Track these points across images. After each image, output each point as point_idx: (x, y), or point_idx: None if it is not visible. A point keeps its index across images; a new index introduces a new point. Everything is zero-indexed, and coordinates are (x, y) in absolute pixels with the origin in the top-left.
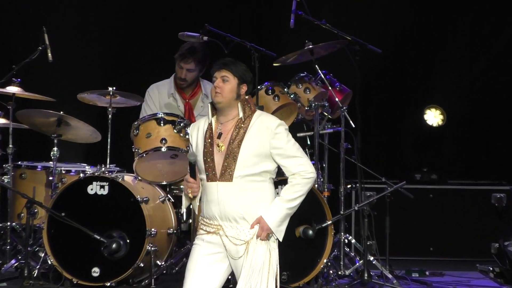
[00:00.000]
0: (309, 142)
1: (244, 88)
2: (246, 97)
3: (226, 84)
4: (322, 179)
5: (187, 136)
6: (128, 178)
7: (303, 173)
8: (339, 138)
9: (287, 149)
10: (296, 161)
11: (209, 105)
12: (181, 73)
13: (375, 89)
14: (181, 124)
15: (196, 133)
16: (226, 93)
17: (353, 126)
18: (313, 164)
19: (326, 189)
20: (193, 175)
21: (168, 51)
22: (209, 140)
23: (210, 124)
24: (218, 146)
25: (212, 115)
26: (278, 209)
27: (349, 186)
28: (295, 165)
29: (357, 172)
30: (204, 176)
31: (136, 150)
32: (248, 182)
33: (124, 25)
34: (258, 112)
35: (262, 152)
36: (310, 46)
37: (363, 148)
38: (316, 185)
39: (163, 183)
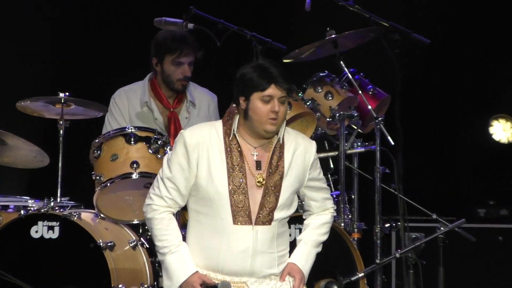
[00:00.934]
0: (332, 166)
1: None
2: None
3: (284, 105)
4: (350, 216)
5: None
6: (86, 216)
7: (332, 209)
8: (373, 160)
9: (321, 179)
10: (325, 194)
11: (236, 117)
12: (184, 71)
13: (422, 93)
14: (159, 142)
15: (207, 152)
16: (282, 120)
17: (392, 143)
18: (339, 195)
19: (356, 230)
20: None
21: (139, 44)
22: (239, 169)
23: (232, 142)
24: (257, 180)
25: (236, 131)
26: (311, 256)
27: (387, 225)
28: (325, 199)
29: (398, 206)
30: (226, 217)
31: (98, 177)
32: (282, 225)
33: (79, 12)
34: (286, 129)
35: (299, 186)
36: (333, 36)
37: (406, 173)
38: (343, 224)
39: (134, 222)
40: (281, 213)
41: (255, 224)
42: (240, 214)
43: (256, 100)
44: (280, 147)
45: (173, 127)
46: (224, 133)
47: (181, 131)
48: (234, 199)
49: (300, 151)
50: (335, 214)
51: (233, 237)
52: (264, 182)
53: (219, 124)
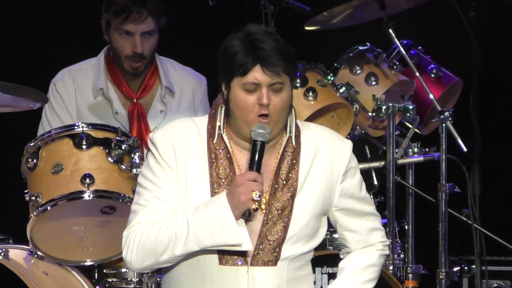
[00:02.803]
0: (376, 182)
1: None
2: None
3: (280, 95)
4: (402, 255)
5: (134, 171)
6: (16, 255)
7: (381, 244)
8: (436, 174)
9: (362, 199)
10: (371, 221)
11: (219, 109)
12: (134, 44)
13: (511, 75)
14: (123, 147)
15: (185, 156)
16: (280, 115)
17: (465, 150)
18: (386, 224)
19: (410, 276)
20: (259, 167)
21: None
22: (228, 184)
23: (218, 146)
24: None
25: (223, 130)
26: None
27: (456, 269)
28: (371, 230)
29: (473, 242)
30: (209, 255)
31: (33, 198)
32: (299, 267)
33: None
34: (299, 122)
35: (325, 207)
36: None
37: (484, 193)
38: (392, 268)
39: (86, 264)
40: (294, 249)
41: (252, 264)
42: (230, 251)
43: (237, 89)
44: (294, 151)
45: (136, 126)
46: (208, 133)
47: (150, 135)
48: None
49: (324, 156)
50: (387, 252)
51: (219, 283)
52: (265, 203)
53: (202, 121)
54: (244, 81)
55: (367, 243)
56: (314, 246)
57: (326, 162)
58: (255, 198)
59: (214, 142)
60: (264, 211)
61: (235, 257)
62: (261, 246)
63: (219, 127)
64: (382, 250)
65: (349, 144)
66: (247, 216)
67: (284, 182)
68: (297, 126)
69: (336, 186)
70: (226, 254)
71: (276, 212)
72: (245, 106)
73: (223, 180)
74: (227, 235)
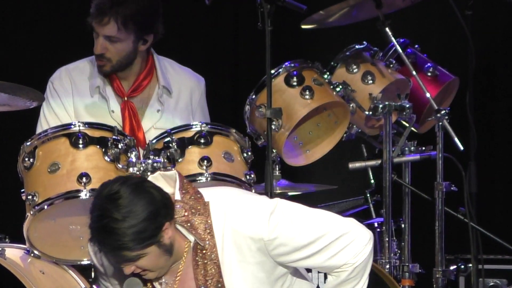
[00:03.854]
0: (372, 181)
1: (167, 228)
2: (177, 195)
3: (144, 262)
4: (399, 254)
5: (130, 170)
6: (12, 254)
7: (355, 258)
8: (432, 172)
9: (303, 247)
10: (335, 246)
11: None
12: (96, 46)
13: (507, 76)
14: (119, 146)
15: None
16: (157, 269)
17: (461, 148)
18: (382, 223)
19: (407, 275)
20: None
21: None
22: None
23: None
24: None
25: None
26: None
27: (453, 267)
28: (328, 261)
29: (468, 240)
30: None
31: (30, 197)
32: None
33: None
34: (213, 204)
35: (269, 274)
36: None
37: (481, 192)
38: (388, 267)
39: (82, 263)
40: None
41: None
42: None
43: None
44: (206, 248)
45: (128, 124)
46: None
47: None
48: None
49: (240, 245)
50: (364, 255)
51: None
52: None
53: None
54: None
55: (334, 269)
56: None
57: (246, 245)
58: None
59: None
60: None
61: None
62: None
63: None
64: (352, 265)
65: (262, 219)
66: None
67: (209, 282)
68: (204, 215)
69: (267, 257)
70: None
71: None
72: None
73: None
74: None
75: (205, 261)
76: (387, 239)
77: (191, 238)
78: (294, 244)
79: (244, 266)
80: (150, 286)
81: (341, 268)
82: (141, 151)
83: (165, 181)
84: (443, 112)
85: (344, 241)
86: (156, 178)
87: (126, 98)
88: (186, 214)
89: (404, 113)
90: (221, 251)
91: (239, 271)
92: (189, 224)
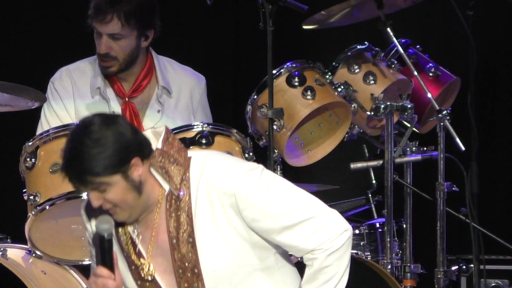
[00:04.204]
0: (374, 181)
1: (137, 164)
2: (158, 144)
3: (109, 193)
4: (400, 254)
5: None
6: (14, 254)
7: (328, 243)
8: (434, 173)
9: (282, 213)
10: (307, 227)
11: None
12: (99, 46)
13: (509, 74)
14: None
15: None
16: (122, 204)
17: (463, 149)
18: (384, 223)
19: (408, 275)
20: (108, 262)
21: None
22: (132, 260)
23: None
24: (149, 269)
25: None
26: None
27: (455, 267)
28: (308, 236)
29: (470, 241)
30: None
31: (32, 197)
32: None
33: None
34: (194, 159)
35: (242, 239)
36: None
37: (482, 192)
38: (390, 267)
39: (84, 263)
40: None
41: None
42: None
43: None
44: (180, 200)
45: None
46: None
47: None
48: None
49: (211, 195)
50: (338, 242)
51: None
52: (164, 266)
53: None
54: None
55: (306, 251)
56: (255, 267)
57: (219, 199)
58: None
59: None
60: (174, 269)
61: None
62: None
63: None
64: (324, 251)
65: (236, 173)
66: None
67: (181, 235)
68: (184, 167)
69: (239, 217)
70: None
71: (185, 266)
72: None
73: (125, 256)
74: None
75: (178, 212)
76: (388, 239)
77: (166, 186)
78: (266, 210)
79: (216, 223)
80: (129, 239)
81: (313, 253)
82: None
83: (154, 137)
84: (444, 112)
85: (318, 223)
86: (146, 135)
87: (127, 99)
88: (163, 161)
89: (406, 113)
90: (195, 205)
91: (211, 228)
92: (164, 171)
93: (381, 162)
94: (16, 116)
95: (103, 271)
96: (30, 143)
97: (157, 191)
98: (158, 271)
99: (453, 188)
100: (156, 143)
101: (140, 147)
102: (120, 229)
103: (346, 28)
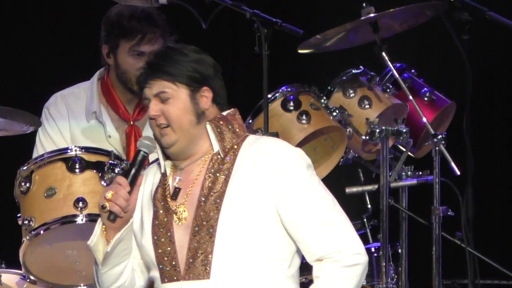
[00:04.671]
0: (369, 205)
1: (207, 95)
2: (224, 113)
3: (169, 103)
4: (396, 279)
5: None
6: (8, 280)
7: (340, 254)
8: (430, 197)
9: (309, 204)
10: (328, 230)
11: (157, 147)
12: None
13: (504, 100)
14: (116, 170)
15: (141, 201)
16: (179, 124)
17: (458, 173)
18: (379, 248)
19: None
20: (131, 176)
21: (88, 29)
22: (162, 204)
23: (162, 176)
24: (176, 214)
25: (165, 158)
26: None
27: None
28: (325, 239)
29: (466, 266)
30: (156, 274)
31: (26, 222)
32: (244, 279)
33: None
34: (251, 137)
35: (266, 214)
36: (372, 15)
37: (478, 217)
38: None
39: None
40: (226, 261)
41: (185, 279)
42: (166, 267)
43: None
44: (223, 162)
45: (134, 148)
46: (162, 159)
47: None
48: (160, 248)
49: (257, 161)
50: (353, 260)
51: None
52: (186, 216)
53: None
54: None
55: (321, 254)
56: (263, 256)
57: (258, 165)
58: (107, 197)
59: (162, 171)
60: (189, 225)
61: (172, 273)
62: (191, 260)
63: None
64: (337, 262)
65: (286, 149)
66: (112, 219)
67: (211, 194)
68: (240, 137)
69: (272, 191)
70: (165, 271)
71: (201, 220)
72: (150, 124)
73: (160, 197)
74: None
75: (217, 174)
76: (384, 264)
77: (216, 146)
78: (300, 194)
79: (249, 195)
80: (168, 185)
81: (323, 261)
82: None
83: None
84: (439, 137)
85: (340, 232)
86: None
87: (132, 122)
88: (222, 123)
89: (401, 137)
90: (235, 170)
91: (242, 198)
92: (219, 132)
93: (376, 186)
94: (11, 141)
95: (122, 179)
96: (25, 168)
97: (206, 147)
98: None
99: (449, 213)
100: None
101: (216, 87)
102: (163, 179)
103: (342, 52)
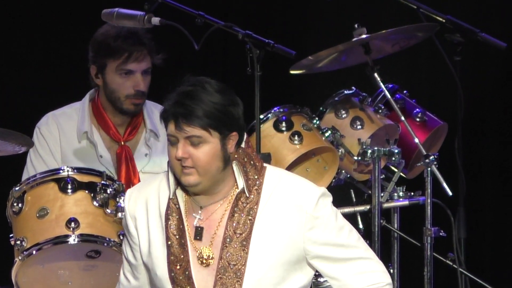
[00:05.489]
0: (361, 226)
1: (234, 139)
2: (243, 145)
3: (200, 148)
4: None
5: (119, 215)
6: None
7: (375, 287)
8: (421, 218)
9: (340, 245)
10: (356, 266)
11: (168, 170)
12: (136, 83)
13: (496, 121)
14: (108, 191)
15: (146, 219)
16: (206, 168)
17: (450, 194)
18: None
19: None
20: None
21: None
22: (177, 239)
23: (174, 205)
24: (199, 255)
25: (177, 185)
26: None
27: None
28: (355, 275)
29: (458, 286)
30: None
31: (18, 242)
32: None
33: None
34: (270, 169)
35: (293, 257)
36: (363, 36)
37: (470, 237)
38: None
39: None
40: None
41: None
42: None
43: (167, 141)
44: (249, 201)
45: (125, 169)
46: (173, 184)
47: (127, 192)
48: (176, 284)
49: (284, 203)
50: None
51: None
52: (212, 258)
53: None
54: (167, 133)
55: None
56: None
57: (286, 207)
58: None
59: (171, 195)
60: (214, 267)
61: None
62: None
63: (171, 181)
64: None
65: (313, 192)
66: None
67: (237, 235)
68: (260, 172)
69: (301, 235)
70: None
71: (229, 267)
72: (171, 159)
73: (175, 235)
74: None
75: (242, 213)
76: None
77: (241, 183)
78: (329, 236)
79: (276, 235)
80: (190, 224)
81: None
82: None
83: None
84: (431, 157)
85: (371, 266)
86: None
87: (123, 143)
88: (245, 160)
89: (393, 158)
90: (261, 211)
91: (269, 238)
92: (243, 169)
93: (368, 207)
94: (3, 161)
95: None
96: (17, 188)
97: (230, 186)
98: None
99: (441, 233)
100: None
101: (241, 131)
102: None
103: (334, 73)
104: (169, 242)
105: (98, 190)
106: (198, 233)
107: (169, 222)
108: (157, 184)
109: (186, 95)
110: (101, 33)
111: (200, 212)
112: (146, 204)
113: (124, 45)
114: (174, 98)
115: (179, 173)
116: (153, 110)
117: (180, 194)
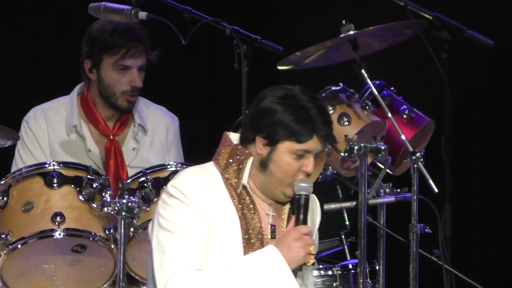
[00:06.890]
0: (347, 222)
1: None
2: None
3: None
4: None
5: (105, 210)
6: None
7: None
8: (407, 214)
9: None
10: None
11: (249, 161)
12: (132, 79)
13: (483, 118)
14: (94, 185)
15: (219, 213)
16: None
17: (436, 191)
18: (357, 265)
19: None
20: (305, 221)
21: (67, 43)
22: (257, 236)
23: (242, 197)
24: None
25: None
26: None
27: None
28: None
29: (444, 283)
30: None
31: (3, 236)
32: None
33: None
34: None
35: None
36: (351, 33)
37: (456, 234)
38: None
39: None
40: None
41: None
42: None
43: (285, 153)
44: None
45: (113, 163)
46: (225, 182)
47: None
48: None
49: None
50: None
51: None
52: None
53: (210, 168)
54: (297, 147)
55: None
56: None
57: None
58: (312, 253)
59: (239, 192)
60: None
61: None
62: None
63: (244, 180)
64: None
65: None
66: (299, 270)
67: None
68: None
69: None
70: None
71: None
72: (289, 170)
73: (252, 232)
74: None
75: (291, 215)
76: (361, 280)
77: None
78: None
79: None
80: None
81: None
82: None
83: None
84: (418, 154)
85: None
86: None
87: (112, 137)
88: None
89: (380, 155)
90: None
91: None
92: None
93: (354, 203)
94: None
95: (306, 228)
96: (2, 182)
97: None
98: None
99: (426, 230)
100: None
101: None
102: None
103: (321, 69)
104: (247, 238)
105: (84, 184)
106: (273, 232)
107: (243, 218)
108: (205, 178)
109: (327, 114)
110: (97, 28)
111: (270, 209)
112: (211, 195)
113: (122, 41)
114: (322, 117)
115: (287, 185)
116: (141, 105)
117: (250, 191)
